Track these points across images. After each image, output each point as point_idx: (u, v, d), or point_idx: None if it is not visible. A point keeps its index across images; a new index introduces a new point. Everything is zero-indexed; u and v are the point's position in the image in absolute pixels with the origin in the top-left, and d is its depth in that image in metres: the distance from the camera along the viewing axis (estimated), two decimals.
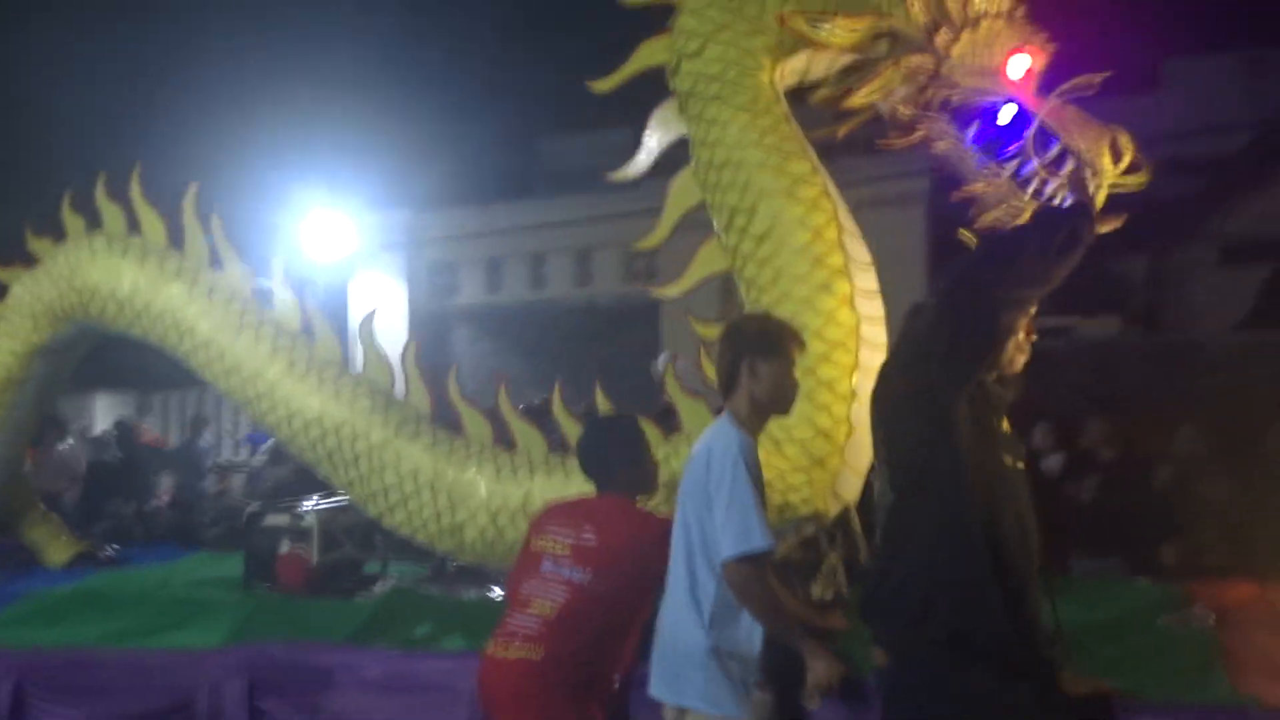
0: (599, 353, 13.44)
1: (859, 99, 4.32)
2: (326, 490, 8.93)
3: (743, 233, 4.42)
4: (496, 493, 4.82)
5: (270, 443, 11.43)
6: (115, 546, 7.61)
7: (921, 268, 11.25)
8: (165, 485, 9.81)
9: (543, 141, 16.38)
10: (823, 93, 4.58)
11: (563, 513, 3.38)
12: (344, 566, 6.13)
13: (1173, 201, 13.84)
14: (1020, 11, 4.18)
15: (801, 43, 4.32)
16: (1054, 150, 3.74)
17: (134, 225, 5.71)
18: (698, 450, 2.97)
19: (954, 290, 2.70)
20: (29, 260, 6.02)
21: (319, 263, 14.17)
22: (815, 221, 4.29)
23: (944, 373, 2.61)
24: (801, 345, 3.06)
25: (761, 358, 2.95)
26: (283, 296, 5.57)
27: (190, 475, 10.86)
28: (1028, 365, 2.99)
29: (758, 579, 2.77)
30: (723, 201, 4.49)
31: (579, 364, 13.54)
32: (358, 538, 6.23)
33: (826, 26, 4.15)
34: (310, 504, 6.27)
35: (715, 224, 4.58)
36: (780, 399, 2.99)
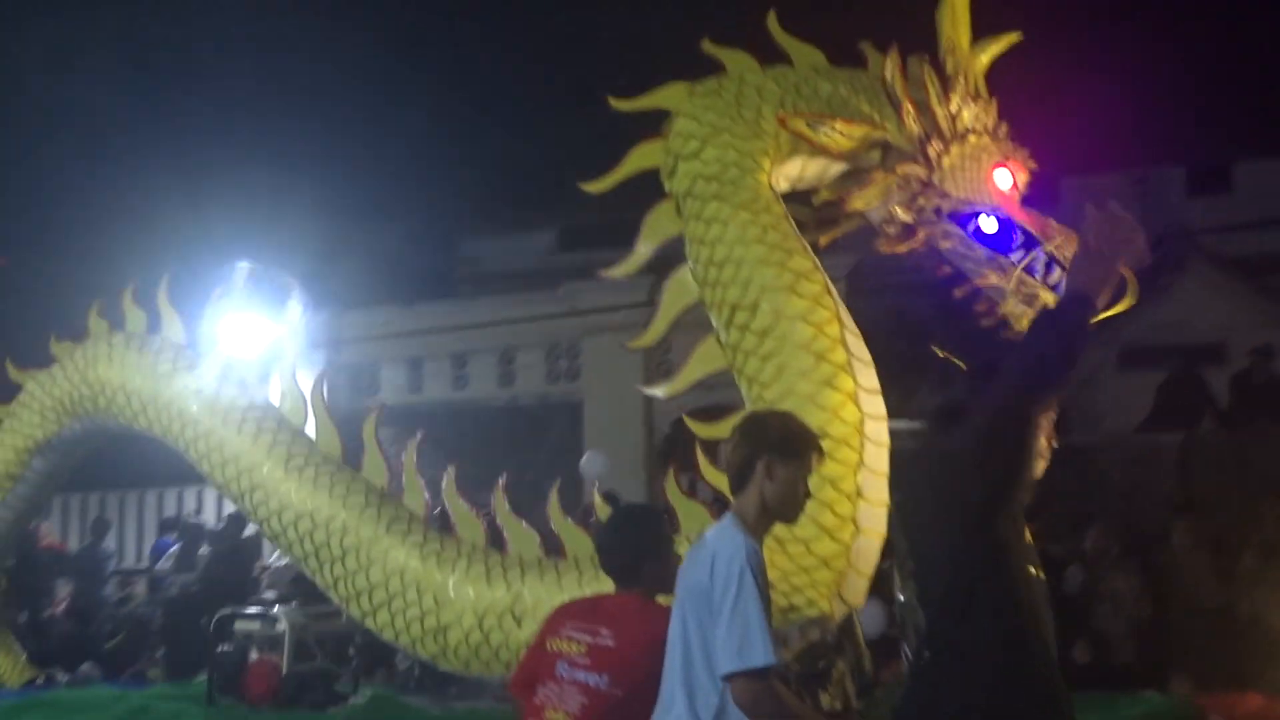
0: (521, 454, 13.35)
1: (858, 203, 4.47)
2: (239, 603, 8.69)
3: (744, 329, 4.45)
4: (484, 595, 4.70)
5: (175, 548, 11.05)
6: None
7: None
8: (62, 593, 9.37)
9: (464, 242, 16.51)
10: (823, 195, 4.71)
11: (579, 612, 3.20)
12: (316, 678, 5.83)
13: None
14: (1004, 130, 4.45)
15: (797, 147, 4.48)
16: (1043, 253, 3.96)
17: (152, 325, 6.17)
18: (699, 552, 2.81)
19: (994, 413, 2.55)
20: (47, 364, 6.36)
21: (236, 362, 13.90)
22: (818, 317, 4.34)
23: (990, 497, 2.50)
24: (821, 454, 2.94)
25: (780, 459, 2.80)
26: (291, 392, 5.72)
27: (90, 582, 10.40)
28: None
29: (767, 694, 2.62)
30: (723, 298, 4.53)
31: (501, 465, 13.40)
32: (330, 649, 5.94)
33: (824, 129, 4.32)
34: (283, 608, 6.05)
35: (714, 321, 4.60)
36: (790, 506, 2.84)
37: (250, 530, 12.59)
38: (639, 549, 3.21)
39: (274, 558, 11.50)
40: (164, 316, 5.92)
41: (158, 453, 14.54)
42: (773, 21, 4.61)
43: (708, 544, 2.81)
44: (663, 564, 3.19)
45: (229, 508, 13.44)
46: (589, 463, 10.57)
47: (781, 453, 2.82)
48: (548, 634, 3.20)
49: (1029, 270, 4.12)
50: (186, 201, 13.97)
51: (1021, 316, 4.06)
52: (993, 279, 4.16)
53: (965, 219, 4.23)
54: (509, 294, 13.63)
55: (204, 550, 10.85)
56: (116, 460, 14.84)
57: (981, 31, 4.69)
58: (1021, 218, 4.15)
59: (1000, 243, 4.15)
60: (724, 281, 4.44)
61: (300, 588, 9.83)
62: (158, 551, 12.31)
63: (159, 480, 14.91)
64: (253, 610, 5.93)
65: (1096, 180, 14.43)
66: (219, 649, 5.85)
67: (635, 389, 12.86)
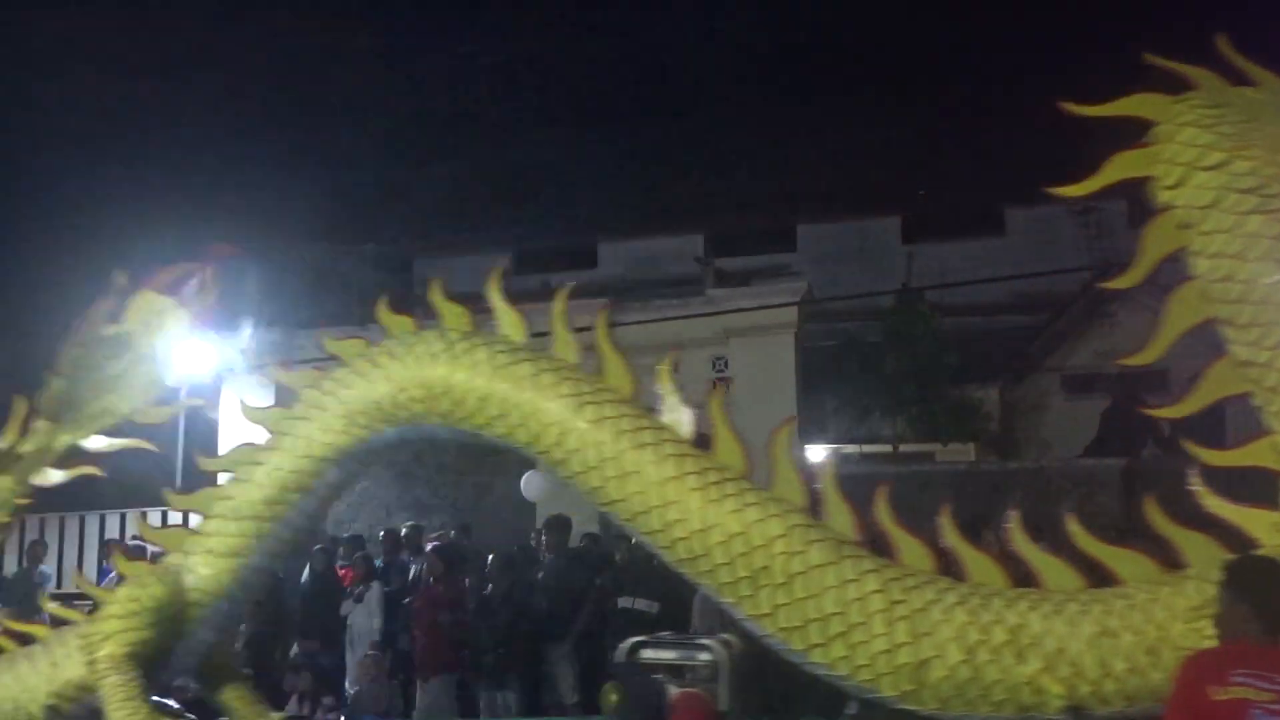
0: (473, 478, 13.28)
1: None
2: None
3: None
4: (974, 626, 4.22)
5: (114, 576, 10.80)
6: None
7: (791, 393, 11.65)
8: None
9: (418, 263, 16.43)
10: None
11: (1247, 659, 3.21)
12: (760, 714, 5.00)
13: (1019, 336, 14.74)
14: None
15: None
16: None
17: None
18: None
19: None
20: None
21: (185, 382, 13.69)
22: None
23: None
24: None
25: None
26: (671, 401, 4.72)
27: (26, 608, 10.11)
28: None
29: None
30: (1253, 319, 4.22)
31: (453, 489, 13.33)
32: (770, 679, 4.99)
33: None
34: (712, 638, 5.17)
35: (1233, 341, 4.24)
36: None
37: None
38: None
39: None
40: (501, 313, 5.00)
41: (102, 471, 14.26)
42: (1225, 44, 4.51)
43: None
44: None
45: None
46: (529, 484, 10.56)
47: None
48: (1205, 683, 3.20)
49: None
50: (130, 220, 13.77)
51: None
52: None
53: None
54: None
55: None
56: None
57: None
58: None
59: None
60: (1256, 300, 4.15)
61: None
62: (108, 574, 12.04)
63: (101, 503, 14.59)
64: (667, 638, 5.28)
65: (1041, 210, 14.79)
66: (628, 678, 5.12)
67: None
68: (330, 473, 5.03)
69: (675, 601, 8.04)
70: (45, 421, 5.41)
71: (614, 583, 8.59)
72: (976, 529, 7.58)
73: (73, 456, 5.75)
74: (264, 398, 14.12)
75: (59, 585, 13.22)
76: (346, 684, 9.42)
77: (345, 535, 11.43)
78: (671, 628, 7.89)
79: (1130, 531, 8.19)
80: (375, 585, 9.67)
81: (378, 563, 10.19)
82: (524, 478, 11.02)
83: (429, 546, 9.57)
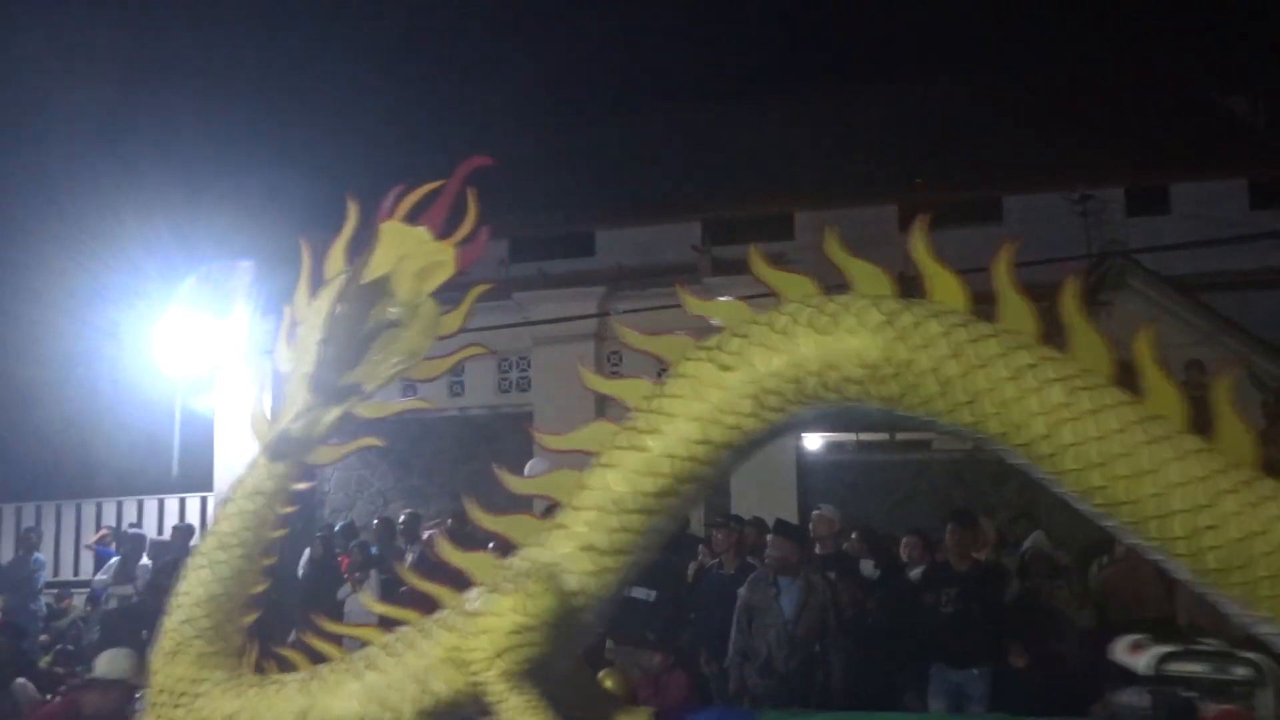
0: (472, 465, 13.29)
1: None
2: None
3: None
4: None
5: (114, 560, 10.81)
6: None
7: None
8: None
9: None
10: None
11: None
12: None
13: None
14: None
15: None
16: None
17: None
18: None
19: None
20: None
21: (179, 369, 13.70)
22: None
23: None
24: None
25: None
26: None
27: (21, 595, 10.13)
28: None
29: None
30: None
31: (449, 476, 13.34)
32: None
33: None
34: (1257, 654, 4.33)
35: None
36: None
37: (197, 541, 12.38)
38: None
39: None
40: (934, 278, 4.04)
41: (98, 460, 14.28)
42: None
43: None
44: None
45: (172, 519, 13.24)
46: (532, 471, 10.53)
47: None
48: None
49: None
50: (127, 206, 13.73)
51: None
52: None
53: None
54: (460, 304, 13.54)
55: (144, 562, 10.64)
56: (52, 469, 14.54)
57: None
58: None
59: None
60: None
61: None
62: (101, 555, 12.08)
63: (98, 490, 14.60)
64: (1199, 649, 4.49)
65: (1039, 199, 14.77)
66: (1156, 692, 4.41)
67: (586, 398, 12.92)
68: (729, 461, 4.21)
69: (671, 589, 8.06)
70: (313, 394, 4.67)
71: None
72: (974, 519, 7.65)
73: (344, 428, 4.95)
74: (258, 389, 14.10)
75: (55, 573, 13.24)
76: None
77: (342, 523, 11.45)
78: (669, 616, 7.92)
79: None
80: (373, 573, 9.68)
81: (374, 550, 10.21)
82: (529, 464, 11.00)
83: (427, 534, 9.58)
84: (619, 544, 4.06)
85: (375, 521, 11.25)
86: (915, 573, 7.38)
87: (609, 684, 7.68)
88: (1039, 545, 8.58)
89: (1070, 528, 9.73)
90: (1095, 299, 15.44)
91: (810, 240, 15.87)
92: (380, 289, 4.55)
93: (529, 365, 13.10)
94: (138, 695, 5.32)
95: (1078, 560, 8.36)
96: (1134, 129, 15.03)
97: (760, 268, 4.12)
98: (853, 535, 8.47)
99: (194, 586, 4.68)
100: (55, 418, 14.49)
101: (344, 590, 9.76)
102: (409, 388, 13.57)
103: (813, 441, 13.25)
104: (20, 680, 7.99)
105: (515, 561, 4.14)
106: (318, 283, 4.82)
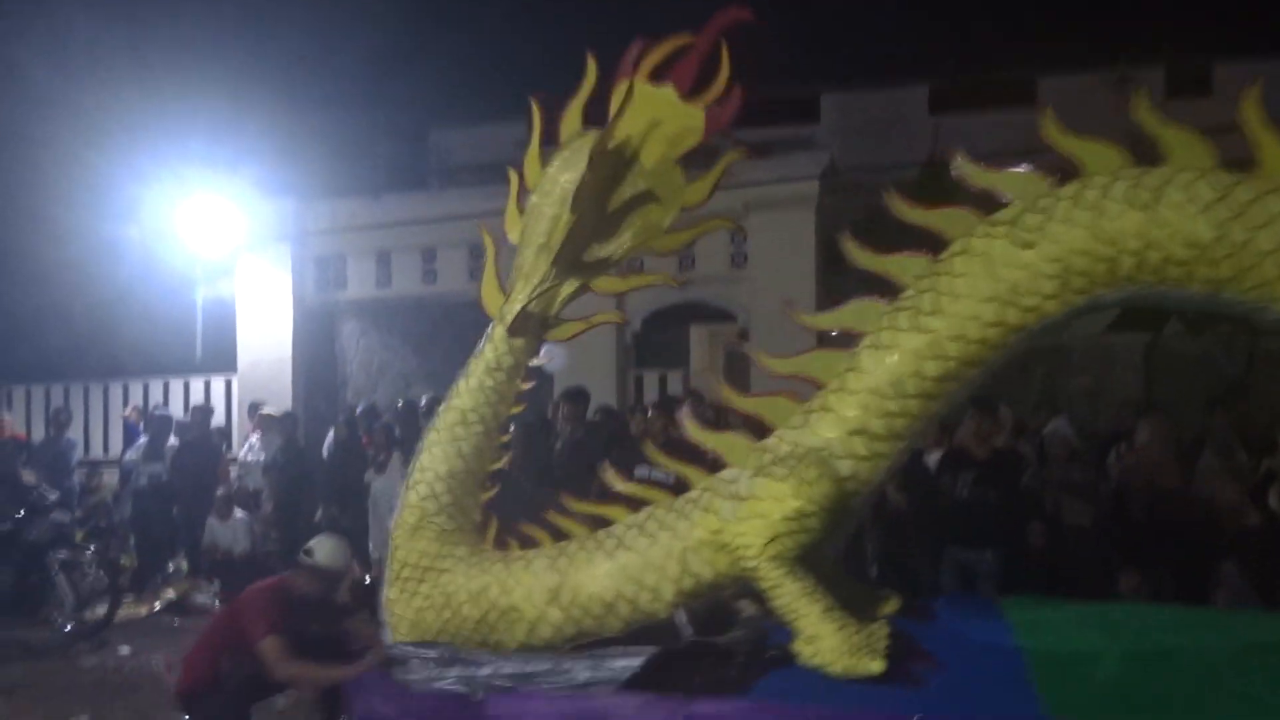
0: None
1: None
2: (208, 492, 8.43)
3: None
4: None
5: (143, 440, 11.02)
6: None
7: (810, 266, 11.52)
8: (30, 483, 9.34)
9: (434, 133, 16.14)
10: None
11: None
12: None
13: None
14: None
15: None
16: None
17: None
18: None
19: None
20: None
21: (201, 252, 13.70)
22: None
23: None
24: None
25: None
26: None
27: (56, 473, 10.36)
28: None
29: None
30: None
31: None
32: None
33: None
34: None
35: None
36: None
37: (219, 422, 12.59)
38: None
39: (244, 451, 11.51)
40: (1265, 147, 3.51)
41: (123, 341, 14.43)
42: None
43: None
44: None
45: (197, 400, 13.43)
46: (547, 356, 10.53)
47: None
48: None
49: None
50: (150, 90, 13.51)
51: None
52: None
53: None
54: (479, 186, 13.40)
55: (172, 441, 10.83)
56: (78, 350, 14.72)
57: None
58: None
59: None
60: None
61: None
62: (130, 431, 12.35)
63: (124, 372, 14.80)
64: None
65: (1074, 79, 14.29)
66: None
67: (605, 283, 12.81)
68: (1018, 346, 3.83)
69: None
70: (553, 268, 4.43)
71: (629, 455, 8.67)
72: (994, 406, 7.63)
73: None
74: (280, 273, 14.09)
75: (85, 453, 13.52)
76: (370, 547, 9.68)
77: (364, 405, 11.57)
78: None
79: (1149, 406, 8.21)
80: (396, 454, 9.82)
81: (397, 433, 10.33)
82: (543, 349, 11.03)
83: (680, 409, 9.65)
84: (894, 429, 3.83)
85: (400, 404, 11.36)
86: (932, 458, 7.41)
87: None
88: (1059, 429, 8.58)
89: (1091, 418, 9.72)
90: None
91: (834, 123, 15.51)
92: (626, 155, 4.27)
93: None
94: (343, 582, 5.45)
95: (1098, 447, 8.36)
96: (1175, 5, 14.41)
97: (1055, 134, 3.72)
98: None
99: (435, 462, 4.61)
100: (80, 300, 14.61)
101: (369, 474, 9.92)
102: (430, 273, 13.53)
103: None
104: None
105: (773, 444, 3.96)
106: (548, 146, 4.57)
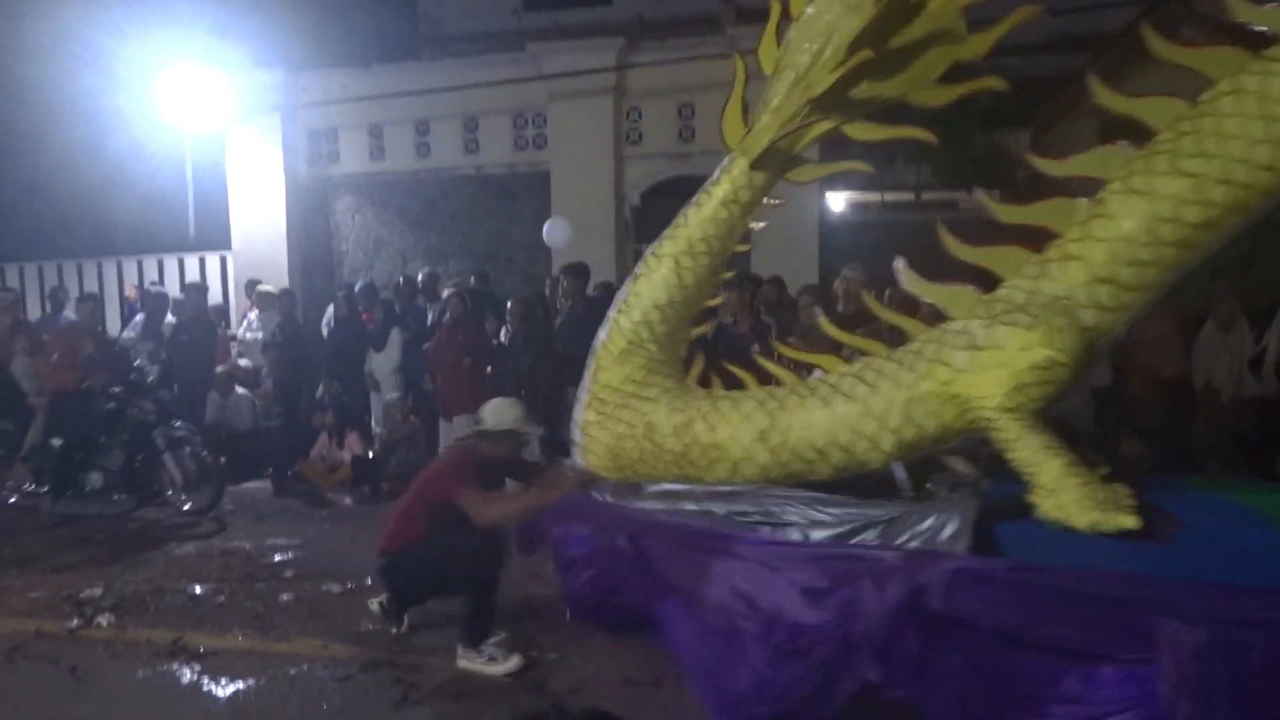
0: (491, 224, 13.16)
1: None
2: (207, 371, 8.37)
3: None
4: None
5: (140, 317, 10.96)
6: None
7: None
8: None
9: (424, 0, 15.58)
10: None
11: None
12: None
13: (1056, 77, 14.06)
14: None
15: None
16: None
17: None
18: None
19: None
20: None
21: (189, 125, 13.37)
22: None
23: None
24: None
25: None
26: None
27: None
28: None
29: None
30: None
31: (468, 236, 13.26)
32: None
33: None
34: None
35: None
36: None
37: (215, 300, 12.52)
38: None
39: (242, 329, 11.47)
40: None
41: (114, 219, 14.22)
42: None
43: None
44: None
45: (192, 278, 13.33)
46: (552, 230, 10.41)
47: None
48: None
49: None
50: None
51: None
52: None
53: None
54: (472, 56, 13.01)
55: (169, 319, 10.79)
56: (72, 228, 14.53)
57: None
58: None
59: None
60: None
61: (271, 358, 9.89)
62: (130, 311, 12.30)
63: (118, 249, 14.65)
64: None
65: None
66: None
67: (603, 157, 12.62)
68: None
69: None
70: (807, 102, 4.20)
71: None
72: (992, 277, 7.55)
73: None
74: (270, 147, 13.79)
75: None
76: (372, 422, 9.76)
77: (362, 282, 11.49)
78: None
79: None
80: (395, 330, 9.80)
81: (396, 309, 10.29)
82: (547, 224, 10.87)
83: (446, 292, 9.60)
84: (1144, 280, 3.57)
85: (400, 279, 11.28)
86: None
87: None
88: None
89: None
90: (1140, 51, 14.62)
91: None
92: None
93: (545, 122, 12.68)
94: (524, 439, 5.39)
95: None
96: None
97: (1240, 6, 3.49)
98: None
99: (653, 289, 4.41)
100: (69, 177, 14.33)
101: (368, 350, 9.92)
102: (424, 146, 13.23)
103: (836, 201, 12.99)
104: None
105: (1006, 294, 3.76)
106: None
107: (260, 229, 13.45)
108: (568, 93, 12.07)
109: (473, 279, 10.82)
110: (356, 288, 10.83)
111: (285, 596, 6.02)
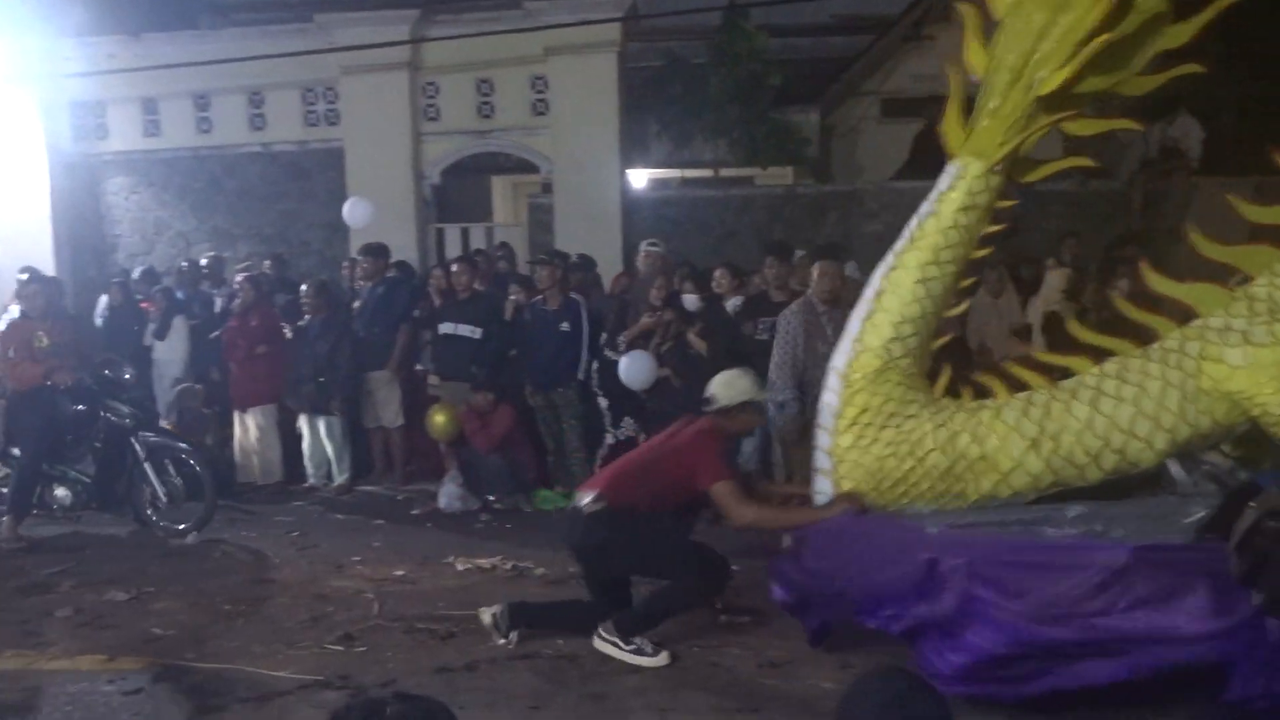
0: (282, 205, 12.55)
1: None
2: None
3: None
4: None
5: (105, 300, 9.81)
6: None
7: (613, 114, 11.32)
8: None
9: None
10: None
11: None
12: None
13: (843, 58, 14.72)
14: None
15: None
16: None
17: None
18: None
19: None
20: None
21: None
22: None
23: None
24: None
25: None
26: None
27: None
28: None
29: None
30: None
31: (257, 217, 12.59)
32: None
33: None
34: None
35: None
36: None
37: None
38: None
39: (2, 321, 10.49)
40: None
41: None
42: None
43: None
44: None
45: None
46: (353, 210, 10.02)
47: None
48: None
49: None
50: None
51: None
52: None
53: None
54: (256, 25, 12.33)
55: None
56: None
57: None
58: None
59: None
60: None
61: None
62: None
63: None
64: None
65: None
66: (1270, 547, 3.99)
67: (400, 134, 12.24)
68: None
69: (496, 327, 8.05)
70: (1034, 102, 4.14)
71: (431, 311, 8.49)
72: (790, 251, 7.83)
73: None
74: (28, 121, 12.59)
75: None
76: (159, 410, 9.15)
77: (141, 268, 10.74)
78: (494, 352, 7.95)
79: None
80: (179, 319, 9.23)
81: (179, 295, 9.67)
82: (347, 203, 10.44)
83: (238, 277, 9.09)
84: None
85: (184, 264, 10.57)
86: (733, 303, 7.58)
87: (439, 419, 7.77)
88: (851, 274, 8.94)
89: (877, 261, 10.17)
90: (917, 34, 15.52)
91: None
92: None
93: (337, 97, 12.18)
94: (760, 408, 5.01)
95: None
96: None
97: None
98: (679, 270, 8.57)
99: (902, 303, 4.26)
100: None
101: (148, 337, 9.30)
102: (205, 122, 12.45)
103: (637, 179, 13.13)
104: None
105: (1264, 291, 3.86)
106: None
107: (21, 211, 12.31)
108: (360, 66, 11.62)
109: (267, 263, 10.30)
110: (134, 274, 10.12)
111: (63, 611, 5.57)
